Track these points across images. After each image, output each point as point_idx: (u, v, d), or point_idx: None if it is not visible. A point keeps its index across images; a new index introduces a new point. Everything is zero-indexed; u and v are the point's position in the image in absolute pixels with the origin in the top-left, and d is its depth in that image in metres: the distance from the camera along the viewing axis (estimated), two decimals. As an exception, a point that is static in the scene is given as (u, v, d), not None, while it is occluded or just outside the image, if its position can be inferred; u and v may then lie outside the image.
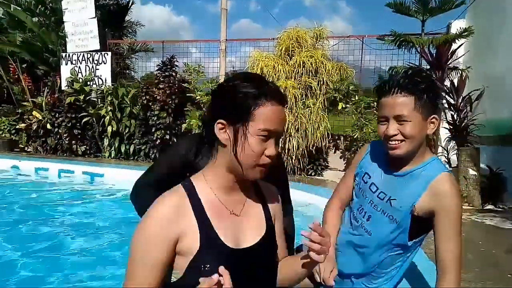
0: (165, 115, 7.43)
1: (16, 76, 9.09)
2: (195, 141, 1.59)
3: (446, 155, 5.86)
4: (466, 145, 5.38)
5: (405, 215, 1.39)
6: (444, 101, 5.89)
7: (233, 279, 0.86)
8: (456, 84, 5.65)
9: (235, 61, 9.64)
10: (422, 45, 6.29)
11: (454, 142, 5.73)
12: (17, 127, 8.85)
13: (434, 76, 6.16)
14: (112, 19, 11.55)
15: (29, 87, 8.98)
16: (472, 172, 4.96)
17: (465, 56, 6.33)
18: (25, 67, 9.27)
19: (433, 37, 6.45)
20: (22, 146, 8.94)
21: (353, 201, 1.59)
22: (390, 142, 1.35)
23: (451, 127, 5.64)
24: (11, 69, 9.14)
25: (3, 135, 8.87)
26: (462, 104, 5.54)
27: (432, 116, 1.35)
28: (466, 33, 6.04)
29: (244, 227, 1.06)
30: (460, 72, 5.91)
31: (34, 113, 8.39)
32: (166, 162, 1.68)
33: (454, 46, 6.15)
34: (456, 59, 6.17)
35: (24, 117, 8.68)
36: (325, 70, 6.83)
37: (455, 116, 5.58)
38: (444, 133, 6.31)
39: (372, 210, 1.47)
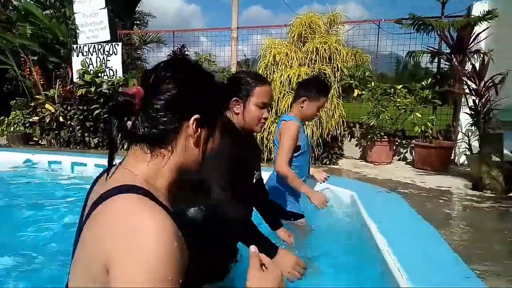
0: (176, 105, 7.33)
1: (28, 68, 9.09)
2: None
3: (467, 141, 5.66)
4: (488, 131, 5.21)
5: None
6: (465, 86, 5.68)
7: None
8: (477, 68, 5.43)
9: (246, 49, 9.50)
10: (442, 28, 6.04)
11: (475, 127, 5.54)
12: (30, 120, 8.85)
13: (454, 60, 5.97)
14: (123, 9, 11.43)
15: (41, 79, 8.97)
16: (495, 158, 4.78)
17: (487, 39, 6.06)
18: (37, 59, 9.23)
19: (454, 20, 6.18)
20: (36, 139, 8.97)
21: (303, 156, 2.88)
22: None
23: (473, 112, 5.46)
24: (22, 62, 9.13)
25: (17, 129, 8.89)
26: (484, 89, 5.34)
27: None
28: (490, 15, 5.76)
29: None
30: (482, 56, 5.67)
31: (46, 106, 8.37)
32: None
33: (477, 29, 5.89)
34: (478, 42, 5.91)
35: (37, 110, 8.67)
36: (340, 57, 6.63)
37: (476, 101, 5.40)
38: (464, 119, 6.11)
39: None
